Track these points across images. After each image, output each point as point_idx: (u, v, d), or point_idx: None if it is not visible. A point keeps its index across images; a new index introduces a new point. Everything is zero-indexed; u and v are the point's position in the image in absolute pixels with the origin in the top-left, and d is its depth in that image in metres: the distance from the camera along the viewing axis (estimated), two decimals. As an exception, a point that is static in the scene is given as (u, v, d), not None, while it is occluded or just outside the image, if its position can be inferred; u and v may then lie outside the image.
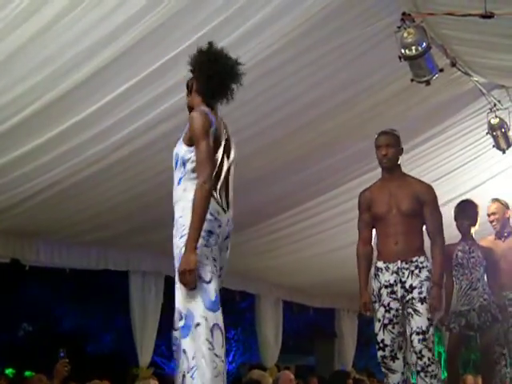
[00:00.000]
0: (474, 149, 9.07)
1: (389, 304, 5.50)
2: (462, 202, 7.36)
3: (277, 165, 7.97)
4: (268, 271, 11.32)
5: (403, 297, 5.44)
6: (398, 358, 5.50)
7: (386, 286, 5.51)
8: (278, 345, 12.34)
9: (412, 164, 8.85)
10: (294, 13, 5.63)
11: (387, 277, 5.52)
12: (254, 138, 7.24)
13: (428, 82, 6.28)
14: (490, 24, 5.74)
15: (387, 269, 5.54)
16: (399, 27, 5.90)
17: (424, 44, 5.88)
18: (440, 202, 9.34)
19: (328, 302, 13.70)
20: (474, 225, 7.14)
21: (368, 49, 6.45)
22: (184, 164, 4.23)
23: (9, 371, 18.13)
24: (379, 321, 5.53)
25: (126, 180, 7.37)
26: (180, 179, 4.28)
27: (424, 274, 5.44)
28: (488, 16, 5.59)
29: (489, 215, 7.52)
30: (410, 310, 5.41)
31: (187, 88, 4.43)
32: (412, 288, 5.40)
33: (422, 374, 5.35)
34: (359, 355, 16.36)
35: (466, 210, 7.16)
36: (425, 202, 5.60)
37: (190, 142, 4.20)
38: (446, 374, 7.67)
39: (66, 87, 5.64)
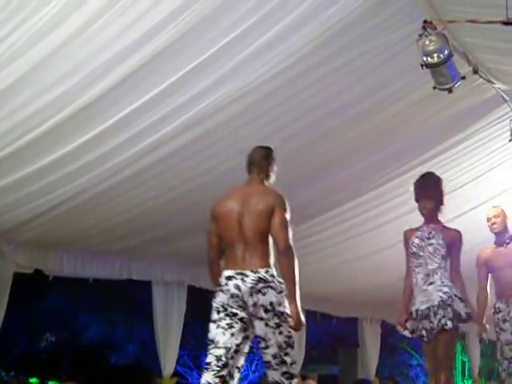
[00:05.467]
0: (497, 156, 9.03)
1: None
2: (423, 176, 6.26)
3: (300, 173, 7.97)
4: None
5: None
6: None
7: None
8: (300, 354, 12.27)
9: (438, 170, 8.78)
10: (315, 22, 5.63)
11: None
12: (275, 148, 7.25)
13: (450, 90, 6.25)
14: (513, 31, 5.72)
15: None
16: (421, 35, 5.87)
17: (446, 51, 5.85)
18: (463, 210, 9.45)
19: (351, 311, 13.65)
20: (440, 204, 6.15)
21: (390, 57, 6.44)
22: None
23: (33, 380, 18.26)
24: None
25: (150, 190, 7.39)
26: None
27: None
28: (510, 23, 5.57)
29: (490, 218, 7.33)
30: None
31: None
32: None
33: None
34: (383, 364, 16.31)
35: (429, 188, 6.12)
36: None
37: None
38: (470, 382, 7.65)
39: (88, 98, 5.66)
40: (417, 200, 6.14)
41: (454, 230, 6.13)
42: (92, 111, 5.82)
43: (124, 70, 5.46)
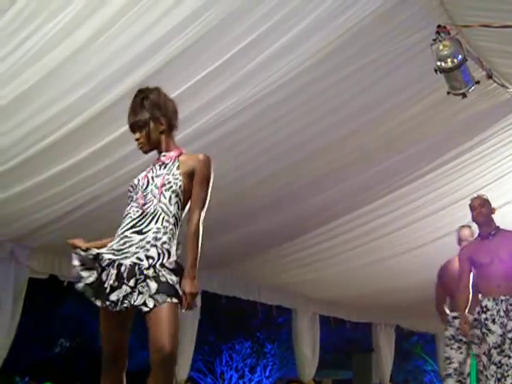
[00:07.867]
0: (511, 161, 8.99)
1: None
2: (135, 97, 4.10)
3: (313, 178, 7.97)
4: (305, 286, 11.30)
5: None
6: None
7: None
8: (315, 359, 12.28)
9: (452, 175, 8.82)
10: (329, 29, 5.64)
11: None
12: (290, 151, 7.26)
13: (464, 95, 6.24)
14: (526, 35, 5.72)
15: None
16: (435, 40, 5.87)
17: (460, 56, 5.85)
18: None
19: (365, 316, 13.63)
20: (172, 125, 4.12)
21: (404, 62, 6.44)
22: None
23: (47, 386, 18.28)
24: None
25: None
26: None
27: None
28: (524, 27, 5.57)
29: (475, 207, 6.85)
30: None
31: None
32: None
33: None
34: (397, 369, 16.25)
35: (138, 110, 4.06)
36: None
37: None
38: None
39: (101, 106, 5.70)
40: (132, 131, 4.13)
41: (200, 154, 4.09)
42: (106, 118, 5.84)
43: (135, 79, 5.47)
